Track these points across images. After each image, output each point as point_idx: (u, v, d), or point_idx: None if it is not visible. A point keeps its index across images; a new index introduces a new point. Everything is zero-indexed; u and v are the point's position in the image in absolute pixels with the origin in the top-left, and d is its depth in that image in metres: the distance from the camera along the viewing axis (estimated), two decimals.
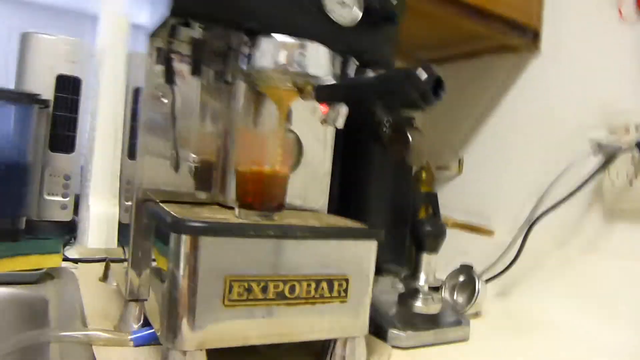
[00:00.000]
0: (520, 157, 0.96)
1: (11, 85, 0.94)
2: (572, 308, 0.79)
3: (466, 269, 0.80)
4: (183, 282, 0.44)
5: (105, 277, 0.78)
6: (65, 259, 0.84)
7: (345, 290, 0.51)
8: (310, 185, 0.65)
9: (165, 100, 0.57)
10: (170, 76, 0.58)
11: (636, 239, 0.75)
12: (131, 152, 1.00)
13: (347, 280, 0.50)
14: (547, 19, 0.92)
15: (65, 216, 0.98)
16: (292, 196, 0.64)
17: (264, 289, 0.46)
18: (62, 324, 0.59)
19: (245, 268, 0.46)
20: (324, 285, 0.49)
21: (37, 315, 0.63)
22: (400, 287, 0.73)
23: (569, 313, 0.78)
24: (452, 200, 1.10)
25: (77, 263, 0.85)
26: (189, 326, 0.44)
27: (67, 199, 0.97)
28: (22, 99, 0.85)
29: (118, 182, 0.86)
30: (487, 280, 0.88)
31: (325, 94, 0.45)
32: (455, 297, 0.81)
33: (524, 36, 0.93)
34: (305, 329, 0.49)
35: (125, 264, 0.71)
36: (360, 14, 0.51)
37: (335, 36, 0.51)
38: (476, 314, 0.79)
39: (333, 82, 0.45)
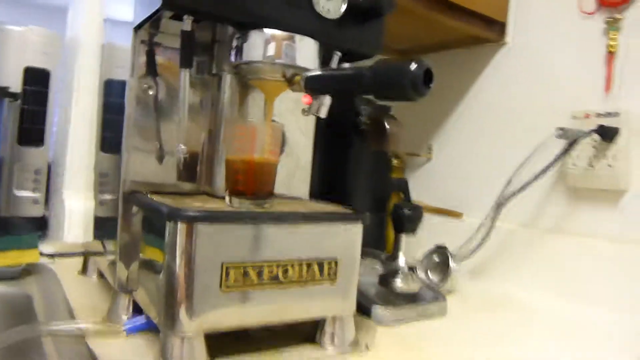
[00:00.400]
0: (488, 143, 1.01)
1: None
2: (538, 284, 0.84)
3: (440, 250, 0.84)
4: (180, 269, 0.46)
5: (84, 271, 0.78)
6: (41, 254, 0.83)
7: (335, 272, 0.53)
8: (293, 174, 0.67)
9: (152, 92, 0.57)
10: (152, 68, 0.59)
11: (597, 218, 0.81)
12: (103, 144, 0.98)
13: (336, 262, 0.53)
14: (513, 12, 0.97)
15: (37, 211, 0.95)
16: (276, 184, 0.66)
17: (260, 274, 0.48)
18: (50, 318, 0.59)
19: (241, 254, 0.47)
20: (315, 267, 0.51)
21: (22, 312, 0.62)
22: (379, 268, 0.76)
23: (535, 289, 0.84)
24: (422, 185, 1.14)
25: (53, 258, 0.84)
26: (187, 312, 0.46)
27: (38, 194, 0.95)
28: None
29: (93, 175, 0.85)
30: (460, 261, 0.93)
31: (314, 85, 0.47)
32: (429, 276, 0.85)
33: (491, 29, 0.97)
34: (298, 310, 0.51)
35: (107, 256, 0.71)
36: (344, 7, 0.53)
37: (321, 29, 0.53)
38: (450, 292, 0.83)
39: (321, 72, 0.47)
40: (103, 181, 0.95)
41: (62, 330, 0.52)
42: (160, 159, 0.61)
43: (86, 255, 0.79)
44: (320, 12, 0.52)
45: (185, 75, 0.52)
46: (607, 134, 0.75)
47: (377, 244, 0.76)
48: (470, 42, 1.01)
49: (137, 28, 0.55)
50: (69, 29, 0.96)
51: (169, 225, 0.46)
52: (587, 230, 0.81)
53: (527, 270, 0.87)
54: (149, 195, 0.56)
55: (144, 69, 0.57)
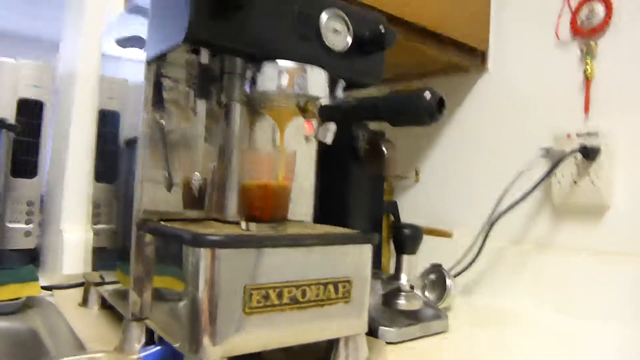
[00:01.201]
0: (473, 164, 1.05)
1: None
2: (529, 299, 0.88)
3: (436, 268, 0.87)
4: (203, 294, 0.47)
5: (85, 302, 0.77)
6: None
7: (349, 292, 0.55)
8: (297, 198, 0.69)
9: (164, 122, 0.59)
10: (161, 99, 0.60)
11: (581, 232, 0.85)
12: (98, 175, 0.99)
13: (349, 282, 0.55)
14: (493, 42, 1.03)
15: (29, 243, 0.94)
16: None
17: (279, 295, 0.49)
18: (60, 351, 0.58)
19: (262, 277, 0.49)
20: (331, 287, 0.53)
21: (29, 346, 0.61)
22: (379, 288, 0.78)
23: (526, 304, 0.87)
24: (411, 207, 1.17)
25: (51, 290, 0.83)
26: (211, 337, 0.46)
27: (31, 225, 0.94)
28: None
29: (91, 206, 0.85)
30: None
31: (328, 113, 0.50)
32: (426, 294, 0.87)
33: (472, 57, 1.03)
34: (316, 330, 0.53)
35: (108, 287, 0.71)
36: (350, 41, 0.56)
37: (329, 60, 0.56)
38: (447, 309, 0.85)
39: (336, 102, 0.50)
40: (97, 212, 0.95)
41: None
42: (169, 187, 0.62)
43: (87, 286, 0.78)
44: (328, 45, 0.55)
45: (202, 106, 0.54)
46: (589, 154, 0.80)
47: (374, 265, 0.78)
48: (453, 70, 1.07)
49: (151, 61, 0.57)
50: (62, 62, 0.97)
51: (191, 251, 0.47)
52: (573, 245, 0.85)
53: (517, 286, 0.90)
54: (162, 223, 0.57)
55: (154, 101, 0.59)
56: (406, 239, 0.72)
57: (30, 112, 0.92)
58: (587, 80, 0.85)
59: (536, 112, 0.93)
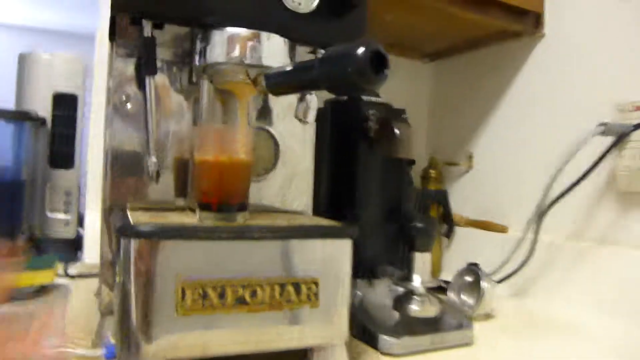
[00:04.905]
0: (530, 146, 0.90)
1: (11, 106, 0.95)
2: (589, 304, 0.72)
3: (472, 269, 0.75)
4: (134, 289, 0.42)
5: (99, 292, 0.78)
6: (66, 275, 0.85)
7: (316, 294, 0.47)
8: (289, 184, 0.62)
9: (129, 106, 0.55)
10: (142, 82, 0.57)
11: None
12: None
13: (316, 283, 0.47)
14: (549, 2, 0.87)
15: (68, 233, 0.98)
16: (271, 197, 0.62)
17: (222, 295, 0.43)
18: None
19: (199, 272, 0.43)
20: (290, 289, 0.46)
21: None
22: (397, 289, 0.68)
23: (585, 310, 0.72)
24: (463, 197, 1.04)
25: (74, 279, 0.85)
26: (142, 337, 0.42)
27: (70, 215, 0.98)
28: (17, 117, 0.86)
29: None
30: (501, 280, 0.83)
31: (275, 82, 0.42)
32: (462, 298, 0.76)
33: (525, 21, 0.88)
34: (272, 337, 0.46)
35: None
36: (317, 0, 0.48)
37: (293, 25, 0.48)
38: (486, 316, 0.73)
39: (278, 70, 0.42)
40: None
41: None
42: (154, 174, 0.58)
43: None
44: (291, 7, 0.48)
45: (150, 83, 0.49)
46: None
47: (392, 259, 0.68)
48: (504, 37, 0.92)
49: (112, 39, 0.53)
50: (95, 54, 0.99)
51: (122, 241, 0.43)
52: None
53: (575, 289, 0.75)
54: (128, 211, 0.53)
55: (127, 82, 0.55)
56: (417, 235, 0.62)
57: (65, 105, 0.96)
58: None
59: (600, 80, 0.76)
